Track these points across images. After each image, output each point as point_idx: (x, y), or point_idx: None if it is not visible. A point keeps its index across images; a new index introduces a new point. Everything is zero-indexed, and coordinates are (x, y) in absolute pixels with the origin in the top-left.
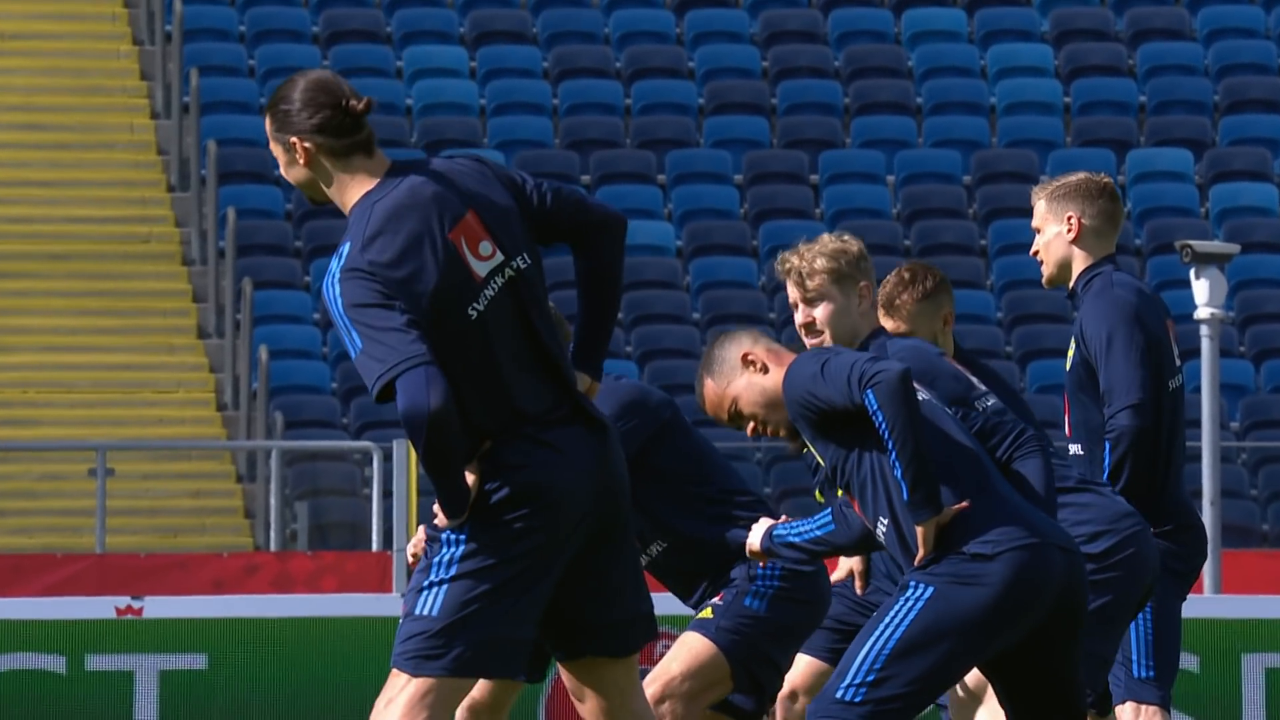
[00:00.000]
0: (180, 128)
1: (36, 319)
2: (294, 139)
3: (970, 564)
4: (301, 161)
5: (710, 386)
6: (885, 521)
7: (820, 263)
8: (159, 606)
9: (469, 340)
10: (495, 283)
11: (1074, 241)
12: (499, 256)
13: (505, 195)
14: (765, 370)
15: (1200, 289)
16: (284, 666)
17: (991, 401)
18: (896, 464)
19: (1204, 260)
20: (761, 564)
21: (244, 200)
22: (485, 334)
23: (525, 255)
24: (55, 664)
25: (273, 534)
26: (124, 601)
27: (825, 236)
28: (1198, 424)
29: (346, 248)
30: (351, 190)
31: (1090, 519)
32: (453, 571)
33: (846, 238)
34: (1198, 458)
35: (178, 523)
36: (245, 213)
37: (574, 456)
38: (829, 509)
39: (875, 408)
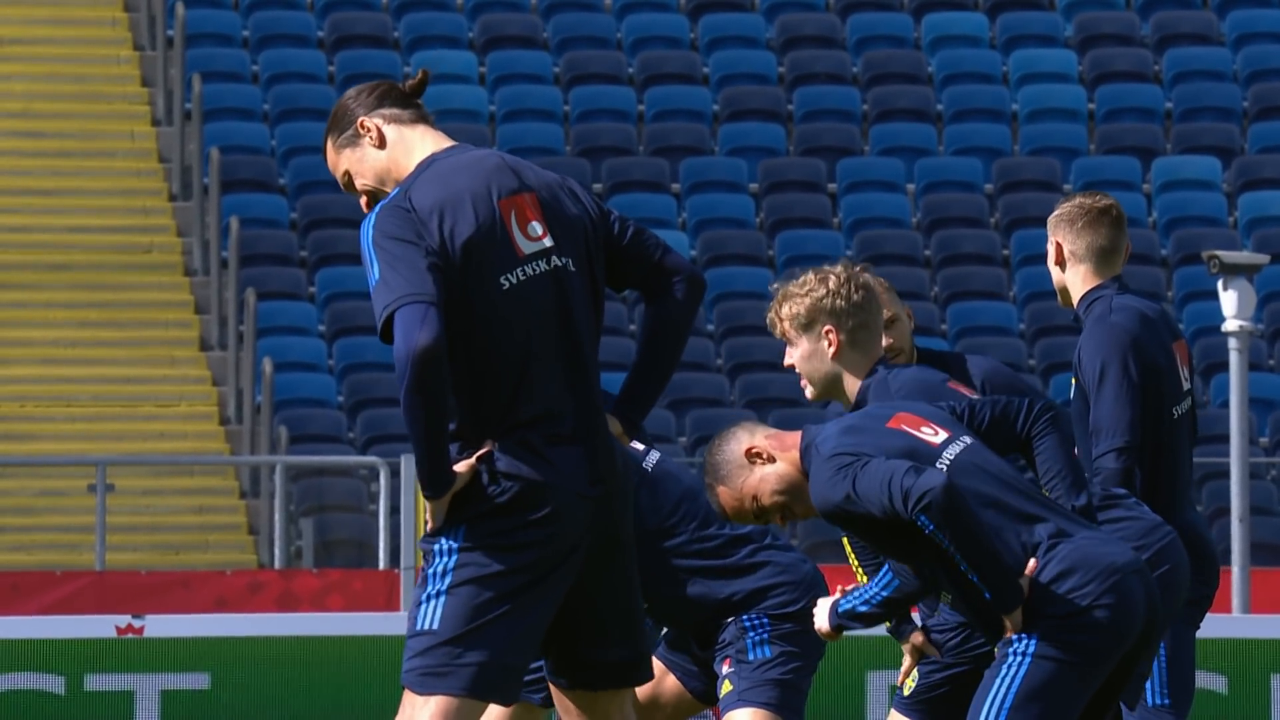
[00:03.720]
0: (182, 135)
1: (35, 331)
2: (361, 120)
3: (1064, 623)
4: (373, 142)
5: (725, 492)
6: (950, 594)
7: (785, 309)
8: (160, 625)
9: (499, 312)
10: (538, 265)
11: (1058, 266)
12: (548, 242)
13: (578, 209)
14: (772, 460)
15: (1228, 301)
16: (288, 687)
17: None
18: (970, 573)
19: (1232, 271)
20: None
21: (247, 209)
22: (518, 311)
23: (574, 262)
24: (54, 684)
25: (277, 551)
26: (124, 620)
27: (809, 275)
28: (1226, 439)
29: (397, 190)
30: (418, 153)
31: (1123, 537)
32: (448, 581)
33: (832, 275)
34: (1226, 474)
35: (179, 540)
36: (248, 222)
37: (569, 476)
38: (885, 566)
39: (933, 529)
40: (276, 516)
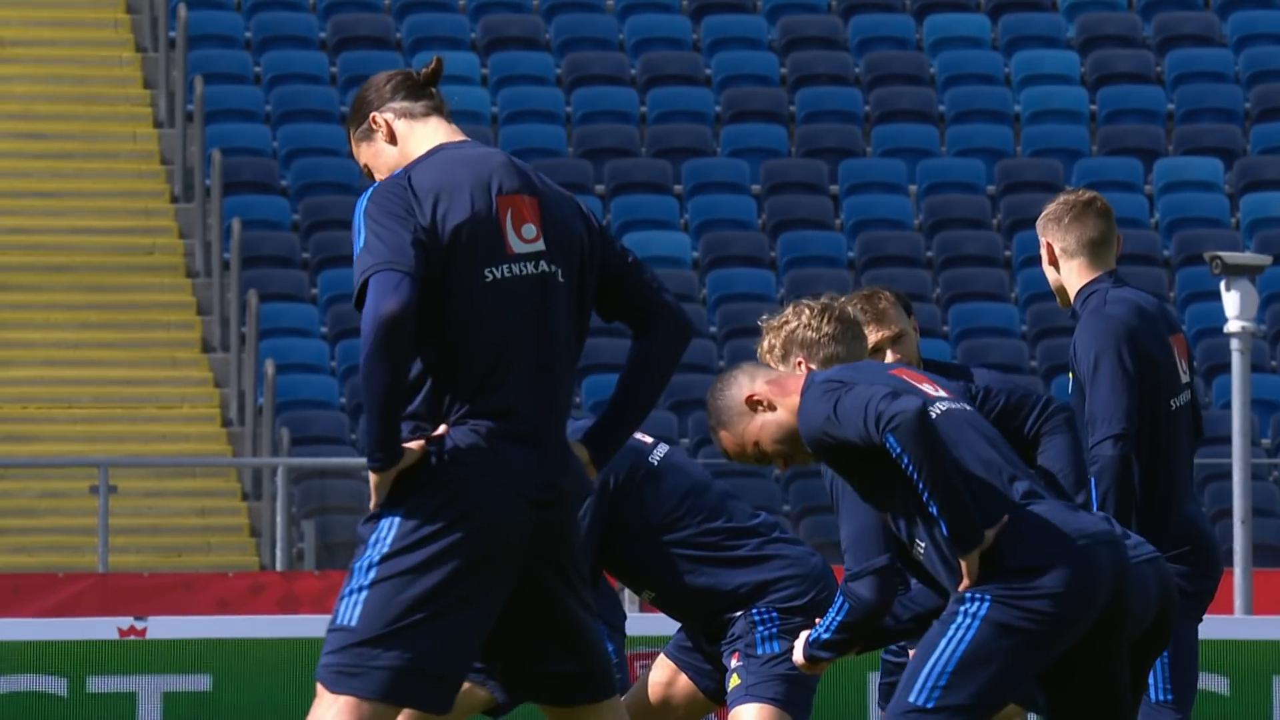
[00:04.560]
0: (184, 137)
1: (37, 332)
2: (373, 115)
3: (1021, 578)
4: (385, 137)
5: (726, 437)
6: (923, 544)
7: (764, 343)
8: (162, 627)
9: (478, 304)
10: (525, 266)
11: (1053, 266)
12: (540, 246)
13: (579, 226)
14: (773, 407)
15: (1230, 302)
16: (290, 688)
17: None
18: (930, 503)
19: (1234, 272)
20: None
21: (249, 211)
22: (497, 306)
23: (564, 274)
24: (56, 686)
25: (279, 553)
26: (127, 622)
27: (789, 308)
28: (1228, 440)
29: (400, 171)
30: (427, 146)
31: None
32: (371, 576)
33: (807, 308)
34: (1228, 475)
35: (182, 541)
36: (250, 224)
37: (514, 474)
38: (839, 592)
39: (899, 451)
40: (278, 518)
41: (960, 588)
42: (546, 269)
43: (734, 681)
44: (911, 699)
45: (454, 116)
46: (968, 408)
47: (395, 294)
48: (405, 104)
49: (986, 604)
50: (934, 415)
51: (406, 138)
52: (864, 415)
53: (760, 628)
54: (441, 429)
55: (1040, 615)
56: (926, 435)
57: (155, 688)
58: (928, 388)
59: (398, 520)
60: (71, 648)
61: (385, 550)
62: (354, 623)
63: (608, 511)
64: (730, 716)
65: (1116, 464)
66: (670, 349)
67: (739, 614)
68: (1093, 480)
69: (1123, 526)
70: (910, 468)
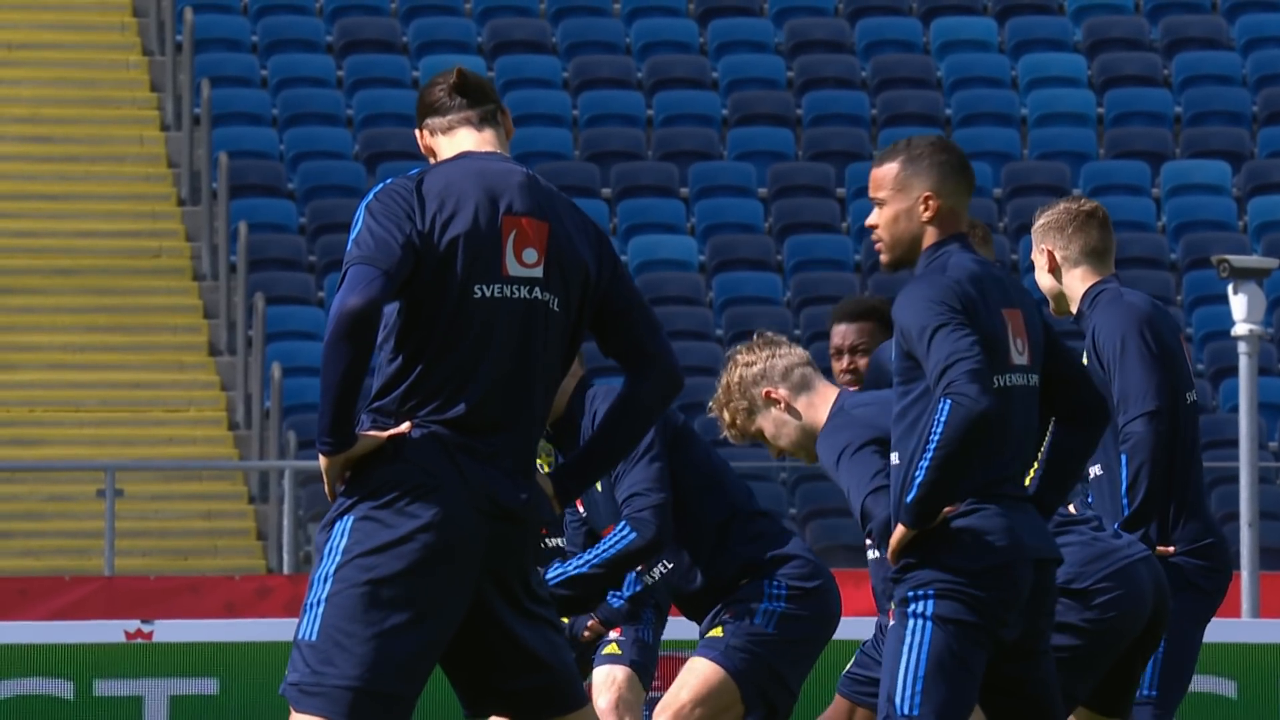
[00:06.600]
0: (191, 140)
1: (44, 336)
2: (416, 133)
3: (953, 577)
4: (427, 153)
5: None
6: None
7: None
8: (169, 630)
9: (463, 317)
10: (518, 290)
11: (1051, 274)
12: (537, 273)
13: (588, 256)
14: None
15: (1238, 305)
16: None
17: None
18: (923, 468)
19: (1242, 275)
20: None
21: (256, 214)
22: (482, 324)
23: (559, 303)
24: (63, 689)
25: (286, 556)
26: (133, 625)
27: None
28: (1235, 444)
29: (417, 170)
30: (454, 154)
31: (1067, 561)
32: (328, 589)
33: (755, 343)
34: (1235, 478)
35: (188, 545)
36: (257, 226)
37: (470, 489)
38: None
39: (943, 417)
40: (285, 521)
41: (888, 556)
42: (540, 297)
43: (716, 632)
44: (900, 709)
45: None
46: None
47: (365, 289)
48: (436, 119)
49: (930, 601)
50: None
51: (439, 153)
52: (949, 350)
53: (766, 601)
54: (404, 426)
55: (976, 600)
56: (976, 435)
57: (162, 691)
58: None
59: (349, 529)
60: (78, 651)
61: (339, 560)
62: (314, 638)
63: (666, 449)
64: (688, 662)
65: (1151, 440)
66: (659, 399)
67: (747, 581)
68: (1124, 457)
69: (1154, 506)
70: (936, 436)
